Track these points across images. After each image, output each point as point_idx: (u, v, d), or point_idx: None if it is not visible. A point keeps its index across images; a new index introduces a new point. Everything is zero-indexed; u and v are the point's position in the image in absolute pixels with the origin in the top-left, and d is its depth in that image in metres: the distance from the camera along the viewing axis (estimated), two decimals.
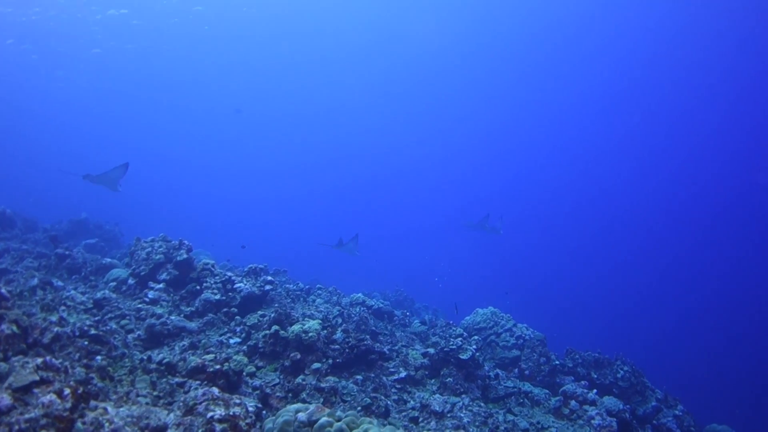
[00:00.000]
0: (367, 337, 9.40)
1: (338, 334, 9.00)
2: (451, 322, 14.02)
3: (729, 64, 45.09)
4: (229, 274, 10.68)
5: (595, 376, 12.25)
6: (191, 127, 70.94)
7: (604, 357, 12.65)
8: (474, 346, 10.05)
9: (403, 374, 9.25)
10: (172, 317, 9.33)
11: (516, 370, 12.09)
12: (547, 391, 11.13)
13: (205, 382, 7.01)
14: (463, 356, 9.61)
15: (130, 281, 10.67)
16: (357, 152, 77.44)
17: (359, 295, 13.41)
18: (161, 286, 10.19)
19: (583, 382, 11.90)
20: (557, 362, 12.26)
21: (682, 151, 57.62)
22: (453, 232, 60.92)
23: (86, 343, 7.46)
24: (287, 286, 14.16)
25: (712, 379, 28.87)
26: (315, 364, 8.14)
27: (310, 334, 8.28)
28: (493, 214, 22.37)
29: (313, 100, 68.73)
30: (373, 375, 8.78)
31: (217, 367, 7.15)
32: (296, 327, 8.42)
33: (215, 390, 5.75)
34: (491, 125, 70.49)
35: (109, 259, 12.80)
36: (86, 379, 6.29)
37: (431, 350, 10.29)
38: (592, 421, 9.25)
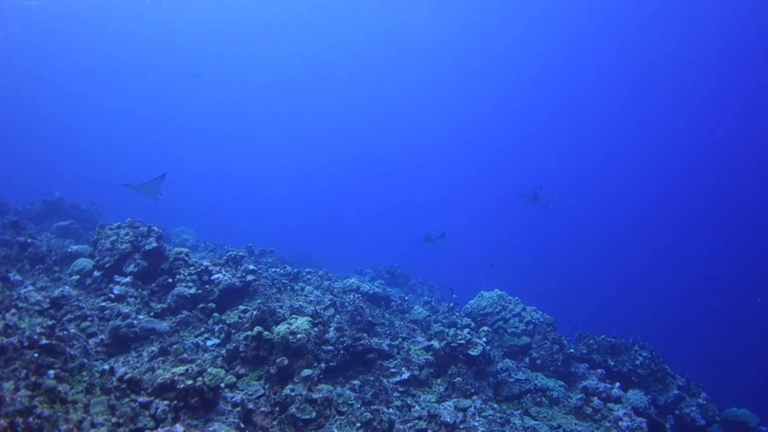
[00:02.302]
0: (364, 335, 8.25)
1: (331, 333, 7.85)
2: (451, 304, 12.98)
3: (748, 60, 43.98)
4: (206, 263, 9.47)
5: (612, 364, 11.23)
6: (173, 101, 69.15)
7: (620, 341, 11.62)
8: (484, 339, 8.97)
9: (406, 375, 8.15)
10: (141, 317, 8.15)
11: (527, 359, 11.03)
12: (562, 383, 10.11)
13: (175, 402, 5.88)
14: (473, 352, 8.52)
15: (95, 274, 9.45)
16: (350, 125, 75.93)
17: (353, 280, 12.24)
18: (128, 279, 8.98)
19: (599, 371, 10.90)
20: (572, 350, 11.21)
21: (704, 135, 56.23)
22: (453, 208, 60.25)
23: (36, 355, 6.29)
24: (273, 270, 13.01)
25: (727, 360, 28.00)
26: (305, 370, 6.99)
27: (299, 336, 7.12)
28: (546, 188, 21.38)
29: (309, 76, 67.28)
30: (372, 378, 7.67)
31: (189, 383, 6.01)
32: (282, 327, 7.25)
33: (179, 429, 4.62)
34: (505, 106, 69.17)
35: (75, 247, 11.53)
36: (28, 409, 5.15)
37: (435, 344, 9.20)
38: (620, 423, 8.21)
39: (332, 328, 8.01)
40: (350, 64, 64.88)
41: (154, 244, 9.35)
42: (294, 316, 8.09)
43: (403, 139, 74.60)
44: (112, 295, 8.71)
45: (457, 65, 61.84)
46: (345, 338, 7.82)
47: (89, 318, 8.00)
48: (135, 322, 7.82)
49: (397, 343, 9.16)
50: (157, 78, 59.48)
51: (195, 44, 54.24)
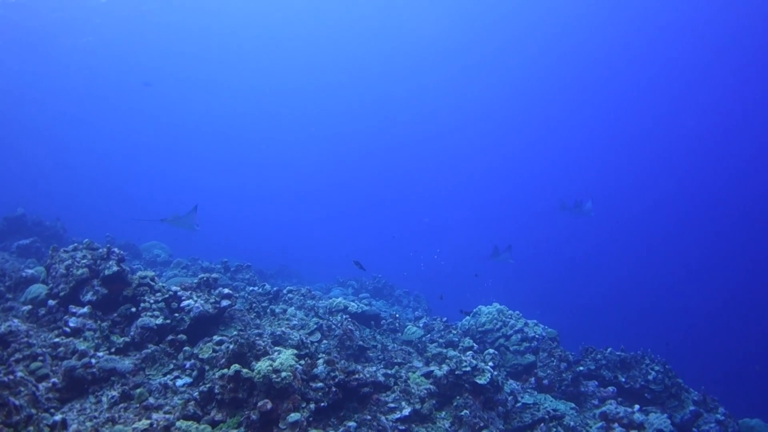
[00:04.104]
0: (359, 368, 7.24)
1: (320, 368, 6.82)
2: (445, 318, 12.08)
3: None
4: (175, 288, 8.39)
5: (623, 380, 10.39)
6: (149, 110, 67.46)
7: (629, 355, 10.81)
8: (491, 364, 8.08)
9: (407, 411, 7.15)
10: (100, 354, 7.08)
11: (532, 379, 10.14)
12: (573, 405, 9.28)
13: None
14: (481, 380, 7.57)
15: (51, 303, 8.34)
16: (328, 132, 74.62)
17: (339, 299, 11.22)
18: (86, 310, 7.86)
19: (610, 389, 10.08)
20: (581, 367, 10.34)
21: (701, 145, 55.37)
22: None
23: None
24: (251, 289, 11.99)
25: (729, 368, 27.38)
26: (292, 414, 5.98)
27: (283, 375, 6.11)
28: (585, 197, 21.15)
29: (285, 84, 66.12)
30: (369, 417, 6.68)
31: None
32: (263, 364, 6.23)
33: None
34: (491, 121, 68.35)
35: (31, 271, 10.39)
36: None
37: (436, 370, 8.21)
38: None
39: (321, 361, 6.97)
40: (330, 70, 63.81)
41: (115, 269, 8.26)
42: (277, 348, 7.09)
43: (382, 144, 73.62)
44: (68, 329, 7.60)
45: (450, 66, 61.03)
46: (337, 372, 6.80)
47: (40, 357, 6.91)
48: (93, 360, 6.75)
49: (393, 371, 8.13)
50: (127, 87, 57.79)
51: (170, 51, 53.02)
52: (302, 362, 6.85)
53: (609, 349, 11.04)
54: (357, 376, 6.87)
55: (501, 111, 66.50)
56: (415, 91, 66.13)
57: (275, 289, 11.68)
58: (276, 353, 6.67)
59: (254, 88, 66.22)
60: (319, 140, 74.35)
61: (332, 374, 6.79)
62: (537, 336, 10.89)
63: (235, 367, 6.24)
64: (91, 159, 70.06)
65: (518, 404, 8.58)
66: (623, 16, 46.84)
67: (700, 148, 55.23)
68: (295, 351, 6.88)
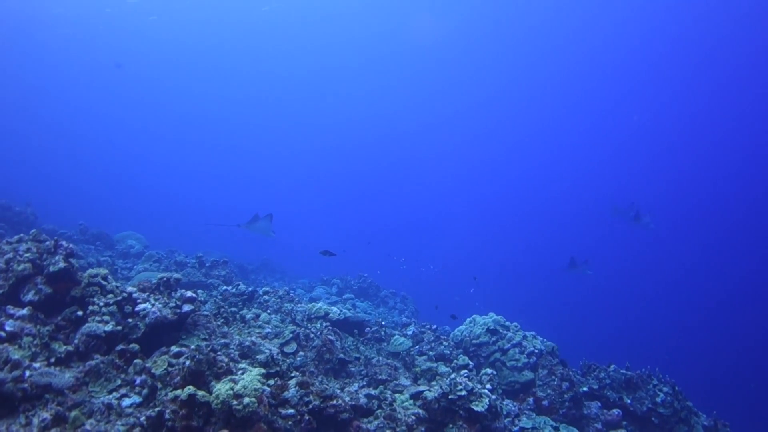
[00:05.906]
0: (337, 392, 6.25)
1: (292, 390, 5.81)
2: (435, 326, 11.13)
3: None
4: (130, 289, 7.31)
5: (629, 402, 9.50)
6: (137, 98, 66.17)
7: (635, 375, 9.91)
8: (488, 387, 7.08)
9: None
10: (36, 365, 6.03)
11: (530, 399, 9.18)
12: (575, 429, 8.33)
13: None
14: (478, 407, 6.59)
15: None
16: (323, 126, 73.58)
17: (320, 305, 10.17)
18: (25, 312, 6.77)
19: (615, 411, 9.16)
20: (585, 388, 9.43)
21: (698, 150, 54.54)
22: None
23: None
24: (224, 288, 10.97)
25: (728, 386, 26.62)
26: None
27: (246, 401, 5.11)
28: (642, 207, 20.34)
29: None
30: None
31: None
32: (223, 387, 5.23)
33: None
34: (485, 124, 67.53)
35: None
36: None
37: (426, 391, 7.22)
38: None
39: (293, 382, 5.96)
40: (322, 65, 62.84)
41: (62, 264, 7.16)
42: (242, 365, 6.07)
43: (375, 140, 72.68)
44: (3, 333, 6.55)
45: (449, 67, 60.08)
46: (311, 397, 5.80)
47: None
48: (27, 373, 5.71)
49: (377, 392, 7.12)
50: (113, 73, 56.49)
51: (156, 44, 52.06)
52: (271, 382, 5.86)
53: (612, 367, 10.15)
54: (335, 402, 5.87)
55: (493, 111, 65.85)
56: (410, 89, 65.28)
57: (250, 289, 10.61)
58: (240, 372, 5.67)
59: (253, 78, 65.30)
60: (311, 133, 73.47)
61: (306, 399, 5.79)
62: (536, 351, 9.91)
63: (189, 389, 5.22)
64: (69, 145, 68.64)
65: (515, 428, 7.66)
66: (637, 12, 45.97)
67: (701, 150, 54.53)
68: (263, 370, 5.87)
